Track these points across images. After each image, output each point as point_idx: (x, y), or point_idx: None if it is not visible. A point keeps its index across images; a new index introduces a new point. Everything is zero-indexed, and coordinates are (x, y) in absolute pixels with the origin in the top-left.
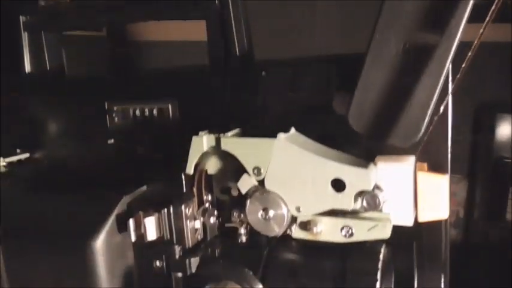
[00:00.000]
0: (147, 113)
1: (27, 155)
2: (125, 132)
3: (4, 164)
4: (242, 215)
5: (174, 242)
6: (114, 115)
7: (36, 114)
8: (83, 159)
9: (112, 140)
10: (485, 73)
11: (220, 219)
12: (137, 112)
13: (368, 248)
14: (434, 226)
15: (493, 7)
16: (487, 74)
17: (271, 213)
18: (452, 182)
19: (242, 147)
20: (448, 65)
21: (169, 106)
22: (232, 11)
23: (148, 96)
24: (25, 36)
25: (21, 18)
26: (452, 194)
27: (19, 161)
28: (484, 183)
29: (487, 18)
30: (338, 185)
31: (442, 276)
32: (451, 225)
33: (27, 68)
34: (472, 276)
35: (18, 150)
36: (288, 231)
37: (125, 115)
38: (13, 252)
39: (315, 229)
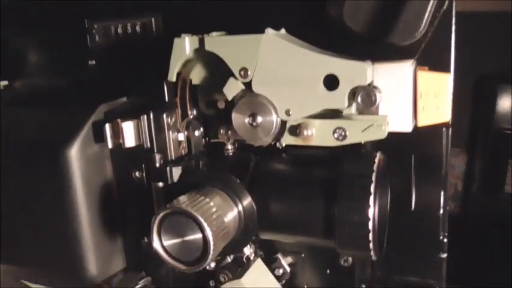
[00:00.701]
0: (129, 29)
1: (5, 82)
2: (107, 52)
3: None
4: (230, 132)
5: (155, 150)
6: (94, 33)
7: (13, 39)
8: (64, 83)
9: (93, 61)
10: (486, 44)
11: (207, 138)
12: (119, 29)
13: (363, 154)
14: (434, 135)
15: None
16: (488, 44)
17: (258, 119)
18: (450, 155)
19: (227, 45)
20: None
21: (153, 20)
22: None
23: (129, 11)
24: None
25: None
26: (450, 167)
27: None
28: (484, 156)
29: None
30: (331, 83)
31: (442, 192)
32: (449, 199)
33: None
34: (470, 249)
35: None
36: (277, 144)
37: (107, 33)
38: None
39: (305, 132)
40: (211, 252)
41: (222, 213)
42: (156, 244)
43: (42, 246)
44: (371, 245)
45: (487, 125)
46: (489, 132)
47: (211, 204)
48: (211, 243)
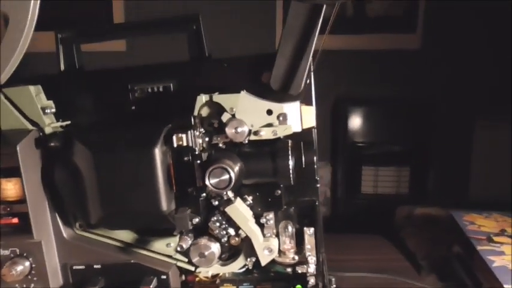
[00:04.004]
0: (156, 89)
1: (68, 122)
2: (142, 102)
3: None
4: (219, 138)
5: (194, 147)
6: (135, 91)
7: (70, 94)
8: (113, 120)
9: (134, 107)
10: (341, 74)
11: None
12: (149, 89)
13: (284, 141)
14: (308, 132)
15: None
16: (342, 75)
17: (239, 129)
18: (318, 167)
19: (223, 98)
20: (313, 48)
21: (171, 85)
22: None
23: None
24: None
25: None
26: (320, 178)
27: (61, 126)
28: (343, 165)
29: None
30: (269, 112)
31: (315, 157)
32: (320, 204)
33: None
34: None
35: (59, 120)
36: (245, 141)
37: (142, 91)
38: (103, 159)
39: (260, 133)
40: (232, 184)
41: (235, 167)
42: (207, 182)
43: (135, 201)
44: (291, 175)
45: (343, 140)
46: (345, 145)
47: (231, 164)
48: (234, 179)
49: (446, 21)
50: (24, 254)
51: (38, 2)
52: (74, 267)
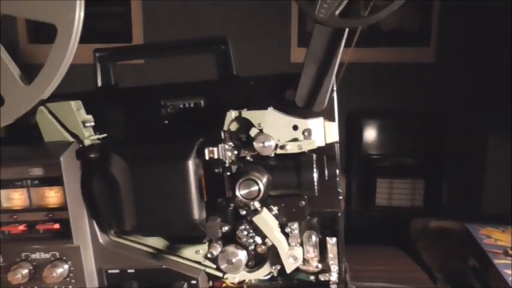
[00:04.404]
0: (187, 105)
1: (105, 134)
2: (174, 117)
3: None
4: (247, 151)
5: (225, 159)
6: (167, 107)
7: (106, 111)
8: (148, 133)
9: (166, 122)
10: (355, 87)
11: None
12: (181, 105)
13: (309, 155)
14: (331, 147)
15: (356, 37)
16: (356, 87)
17: (266, 143)
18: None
19: (251, 114)
20: (336, 68)
21: (201, 101)
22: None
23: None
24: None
25: None
26: None
27: (98, 138)
28: (357, 178)
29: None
30: (295, 128)
31: (337, 170)
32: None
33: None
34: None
35: (97, 133)
36: (272, 155)
37: (174, 106)
38: (139, 170)
39: (286, 147)
40: (261, 195)
41: (263, 179)
42: (237, 193)
43: (168, 209)
44: (316, 188)
45: (358, 152)
46: (359, 157)
47: (260, 176)
48: (262, 190)
49: (460, 34)
50: (64, 258)
51: (83, 12)
52: (109, 271)
